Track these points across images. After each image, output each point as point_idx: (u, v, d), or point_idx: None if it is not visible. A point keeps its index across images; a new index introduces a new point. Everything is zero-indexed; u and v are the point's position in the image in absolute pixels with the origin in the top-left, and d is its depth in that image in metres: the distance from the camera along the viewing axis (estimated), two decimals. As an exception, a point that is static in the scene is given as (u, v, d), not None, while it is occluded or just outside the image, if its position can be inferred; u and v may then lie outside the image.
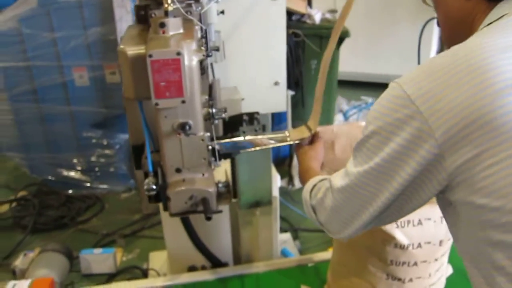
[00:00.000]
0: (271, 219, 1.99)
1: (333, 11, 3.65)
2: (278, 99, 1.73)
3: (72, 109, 3.02)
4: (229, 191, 1.18)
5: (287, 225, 2.78)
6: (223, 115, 1.11)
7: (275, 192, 1.98)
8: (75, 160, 3.17)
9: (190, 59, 0.97)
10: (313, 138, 1.37)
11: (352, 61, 4.84)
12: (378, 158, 0.80)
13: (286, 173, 3.27)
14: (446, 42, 0.97)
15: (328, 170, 1.33)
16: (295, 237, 2.68)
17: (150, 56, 0.93)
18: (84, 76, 2.95)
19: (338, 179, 0.92)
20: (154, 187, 1.08)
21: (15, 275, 2.35)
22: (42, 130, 3.06)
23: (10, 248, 2.66)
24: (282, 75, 1.73)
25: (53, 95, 2.97)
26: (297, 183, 3.24)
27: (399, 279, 1.50)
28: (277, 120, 3.09)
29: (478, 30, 0.83)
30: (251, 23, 1.60)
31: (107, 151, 3.16)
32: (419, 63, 4.43)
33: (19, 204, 3.12)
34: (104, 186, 3.26)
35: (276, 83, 1.72)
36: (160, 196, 1.09)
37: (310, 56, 3.42)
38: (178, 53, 0.93)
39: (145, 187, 1.07)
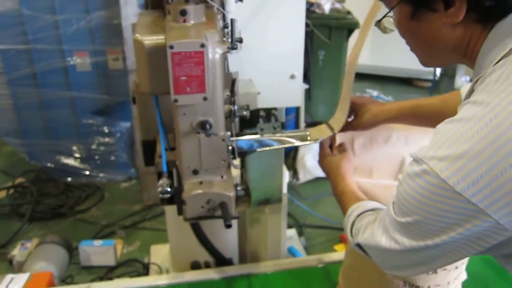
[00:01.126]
0: (280, 217, 1.92)
1: (342, 1, 3.55)
2: (294, 93, 1.65)
3: (73, 95, 2.91)
4: (248, 194, 1.09)
5: (292, 220, 2.71)
6: (244, 113, 1.03)
7: (284, 189, 1.90)
8: (74, 148, 3.08)
9: (214, 52, 0.88)
10: (332, 143, 1.29)
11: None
12: (437, 239, 0.76)
13: (290, 167, 3.20)
14: (427, 65, 0.91)
15: None
16: (300, 234, 2.62)
17: (171, 47, 0.84)
18: (85, 61, 2.84)
19: (381, 238, 0.86)
20: (168, 189, 1.00)
21: (12, 266, 2.28)
22: (42, 115, 2.96)
23: (6, 236, 2.59)
24: (298, 68, 1.64)
25: (53, 80, 2.86)
26: (301, 177, 3.17)
27: (417, 287, 1.44)
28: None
29: (481, 54, 0.78)
30: (269, 11, 1.51)
31: (107, 139, 3.07)
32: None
33: (17, 191, 3.04)
34: (104, 175, 3.18)
35: (292, 76, 1.64)
36: (175, 199, 1.01)
37: (318, 46, 3.33)
38: (202, 45, 0.84)
39: (159, 189, 0.99)
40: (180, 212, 1.02)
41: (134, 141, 3.05)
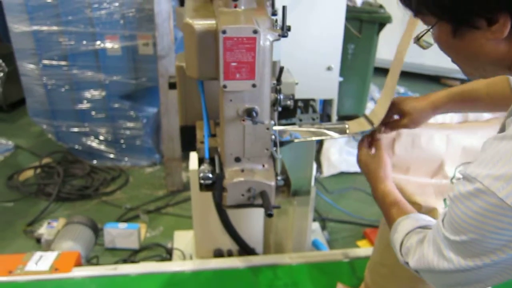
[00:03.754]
0: (307, 209, 1.91)
1: (374, -6, 3.49)
2: (330, 85, 1.63)
3: (102, 78, 2.93)
4: (288, 185, 1.09)
5: (315, 214, 2.70)
6: (288, 102, 1.02)
7: (312, 182, 1.89)
8: (101, 131, 3.11)
9: (265, 39, 0.87)
10: (372, 141, 1.26)
11: (387, 48, 4.68)
12: (493, 257, 0.76)
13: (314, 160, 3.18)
14: (469, 76, 0.90)
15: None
16: (323, 227, 2.60)
17: (224, 32, 0.83)
18: (116, 45, 2.85)
19: (433, 258, 0.85)
20: (210, 175, 0.99)
21: (40, 244, 2.32)
22: (71, 97, 2.99)
23: (33, 215, 2.64)
24: (335, 60, 1.62)
25: (84, 63, 2.89)
26: (325, 171, 3.15)
27: (447, 286, 1.41)
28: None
29: None
30: (310, 1, 1.49)
31: (134, 124, 3.09)
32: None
33: (44, 171, 3.09)
34: (129, 159, 3.21)
35: (329, 68, 1.62)
36: (216, 185, 1.00)
37: (348, 39, 3.27)
38: (255, 31, 0.83)
39: (201, 175, 0.99)
40: (219, 198, 1.02)
41: (160, 127, 3.06)
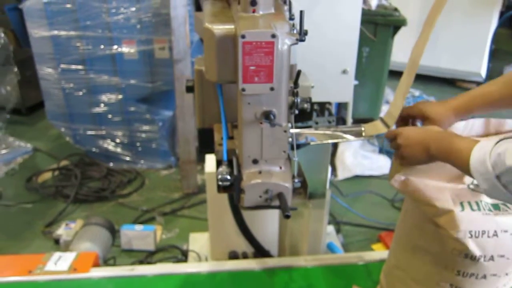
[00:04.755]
0: (323, 212, 1.92)
1: (389, -3, 3.49)
2: (345, 88, 1.64)
3: (119, 82, 2.98)
4: (304, 187, 1.10)
5: (330, 217, 2.70)
6: (305, 105, 1.03)
7: (327, 185, 1.90)
8: (117, 134, 3.16)
9: (283, 43, 0.89)
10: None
11: (403, 51, 4.65)
12: None
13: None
14: None
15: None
16: (337, 230, 2.60)
17: (243, 37, 0.85)
18: (133, 49, 2.90)
19: None
20: (228, 177, 1.01)
21: (59, 244, 2.36)
22: (88, 101, 3.05)
23: (51, 216, 2.68)
24: (351, 63, 1.62)
25: (101, 67, 2.94)
26: (340, 174, 3.15)
27: (464, 291, 1.41)
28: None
29: None
30: (326, 4, 1.50)
31: (149, 127, 3.13)
32: (489, 60, 4.15)
33: (61, 173, 3.15)
34: (144, 162, 3.25)
35: (344, 72, 1.62)
36: (233, 187, 1.02)
37: (363, 43, 3.28)
38: (273, 36, 0.85)
39: (219, 176, 1.00)
40: (237, 200, 1.03)
41: (175, 130, 3.10)
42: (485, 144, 0.90)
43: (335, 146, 3.25)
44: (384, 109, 3.96)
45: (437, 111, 1.20)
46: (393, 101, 1.31)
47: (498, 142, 0.89)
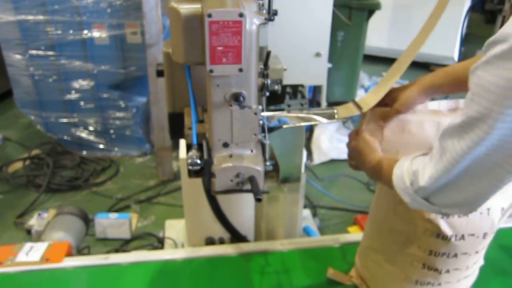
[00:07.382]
0: (298, 196, 1.92)
1: (363, -19, 3.48)
2: (319, 71, 1.63)
3: (90, 68, 2.91)
4: (276, 170, 1.09)
5: (306, 201, 2.71)
6: (276, 87, 1.02)
7: (302, 169, 1.90)
8: (90, 121, 3.09)
9: (251, 22, 0.87)
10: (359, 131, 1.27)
11: (377, 35, 4.67)
12: None
13: (304, 148, 3.19)
14: None
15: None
16: (314, 214, 2.62)
17: (209, 16, 0.82)
18: (104, 34, 2.82)
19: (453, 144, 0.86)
20: (198, 161, 0.99)
21: (31, 235, 2.31)
22: (59, 87, 2.96)
23: (23, 206, 2.62)
24: (324, 46, 1.61)
25: (71, 52, 2.86)
26: (316, 158, 3.16)
27: (436, 270, 1.43)
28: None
29: None
30: (298, -13, 1.48)
31: (123, 114, 3.07)
32: (460, 43, 4.18)
33: (33, 163, 3.07)
34: (119, 149, 3.19)
35: (318, 54, 1.61)
36: (204, 171, 1.00)
37: (337, 27, 3.28)
38: (241, 15, 0.83)
39: (189, 161, 0.98)
40: (208, 184, 1.02)
41: (149, 116, 3.05)
42: (402, 163, 0.99)
43: (310, 130, 3.25)
44: (359, 93, 3.99)
45: (401, 90, 1.21)
46: (373, 88, 1.31)
47: (413, 159, 0.97)
